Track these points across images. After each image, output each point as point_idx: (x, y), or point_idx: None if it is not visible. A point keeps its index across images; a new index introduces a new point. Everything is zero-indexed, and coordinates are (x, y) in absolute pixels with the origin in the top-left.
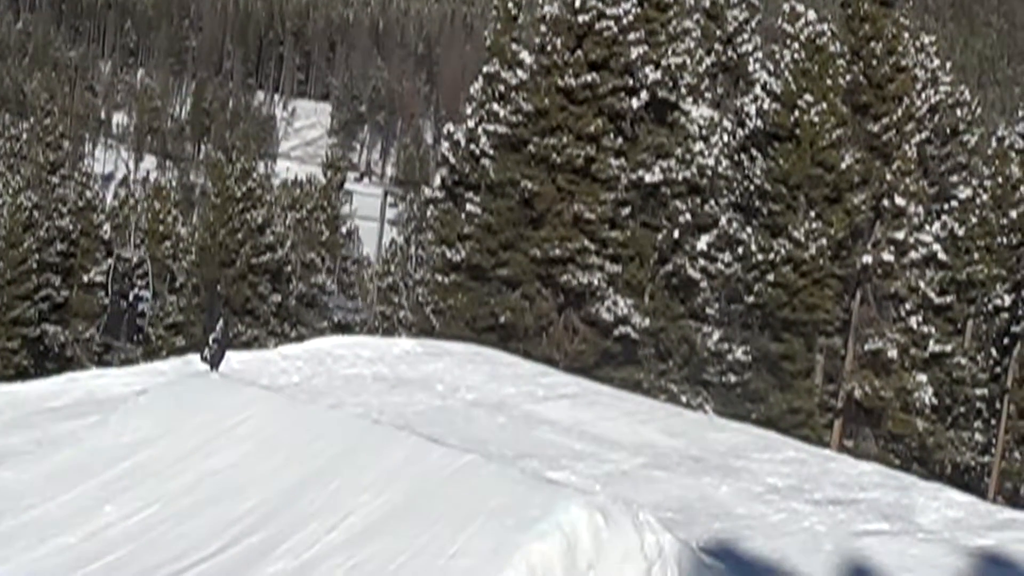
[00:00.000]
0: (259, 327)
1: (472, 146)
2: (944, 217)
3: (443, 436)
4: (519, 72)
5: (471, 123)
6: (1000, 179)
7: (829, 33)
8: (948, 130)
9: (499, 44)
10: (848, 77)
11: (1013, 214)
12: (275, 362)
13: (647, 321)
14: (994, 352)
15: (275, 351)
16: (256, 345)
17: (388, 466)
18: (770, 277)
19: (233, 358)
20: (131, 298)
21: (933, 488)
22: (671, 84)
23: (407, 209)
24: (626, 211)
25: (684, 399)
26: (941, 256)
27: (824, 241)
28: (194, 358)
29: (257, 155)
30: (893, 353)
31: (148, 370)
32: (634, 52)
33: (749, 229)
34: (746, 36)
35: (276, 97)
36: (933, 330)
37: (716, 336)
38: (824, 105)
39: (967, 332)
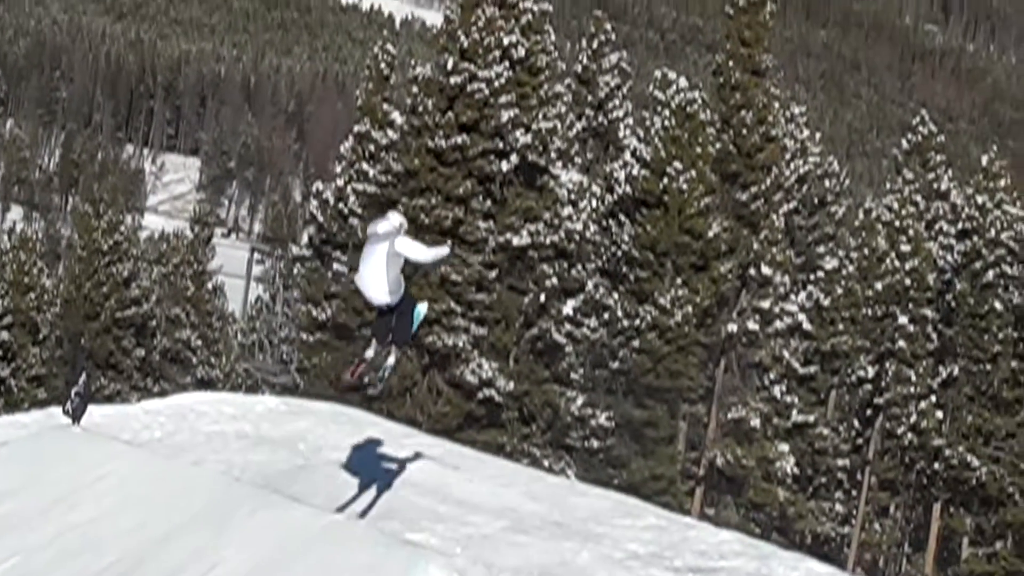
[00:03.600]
0: (122, 381)
1: (340, 205)
2: (810, 287)
3: (305, 496)
4: (390, 132)
5: (340, 182)
6: (866, 251)
7: (700, 101)
8: (816, 200)
9: (370, 104)
10: (718, 145)
11: (878, 286)
12: (137, 417)
13: (511, 384)
14: (856, 423)
15: (138, 406)
16: (119, 399)
17: (250, 525)
18: (635, 343)
19: (95, 412)
20: None
21: (793, 558)
22: (541, 148)
23: (274, 266)
24: (493, 274)
25: (547, 463)
26: (806, 326)
27: (690, 308)
28: (56, 411)
29: (125, 208)
30: (756, 422)
31: (9, 422)
32: (505, 115)
33: (615, 295)
34: (617, 102)
35: (145, 151)
36: (796, 400)
37: (580, 401)
38: (693, 173)
39: (830, 403)
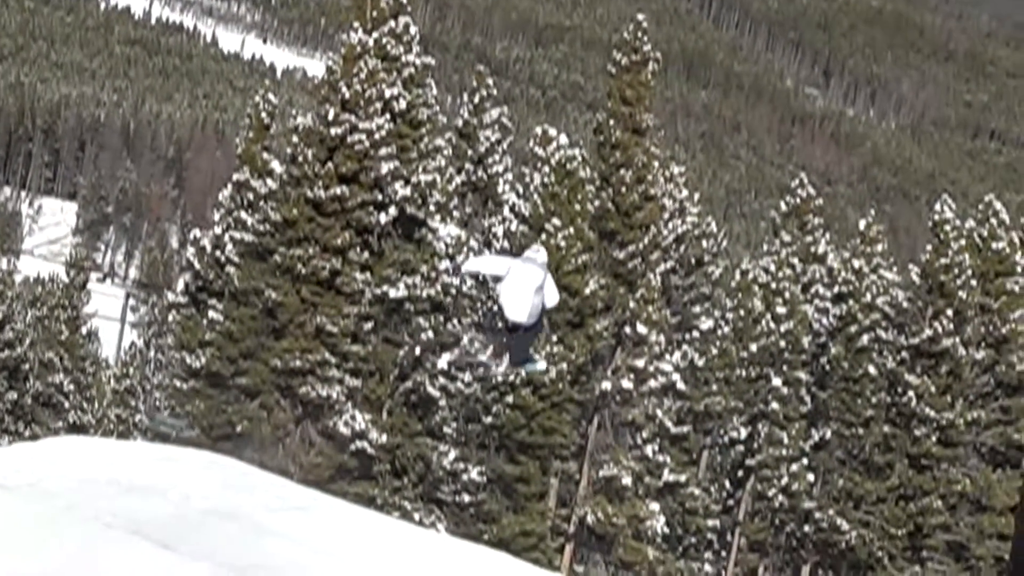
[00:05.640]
0: None
1: (218, 253)
2: (685, 347)
3: (174, 544)
4: (269, 181)
5: (218, 230)
6: (742, 312)
7: (580, 158)
8: (693, 261)
9: (250, 152)
10: (596, 203)
11: (753, 347)
12: (8, 461)
13: (384, 437)
14: (727, 484)
15: (8, 449)
16: None
17: (120, 572)
18: (509, 399)
19: None
20: None
21: None
22: (420, 201)
23: (149, 312)
24: (369, 325)
25: (417, 517)
26: (680, 386)
27: (564, 365)
28: None
29: (0, 251)
30: (627, 480)
31: None
32: (385, 167)
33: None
34: (497, 157)
35: (23, 193)
36: (668, 459)
37: (452, 455)
38: (571, 230)
39: (702, 463)
